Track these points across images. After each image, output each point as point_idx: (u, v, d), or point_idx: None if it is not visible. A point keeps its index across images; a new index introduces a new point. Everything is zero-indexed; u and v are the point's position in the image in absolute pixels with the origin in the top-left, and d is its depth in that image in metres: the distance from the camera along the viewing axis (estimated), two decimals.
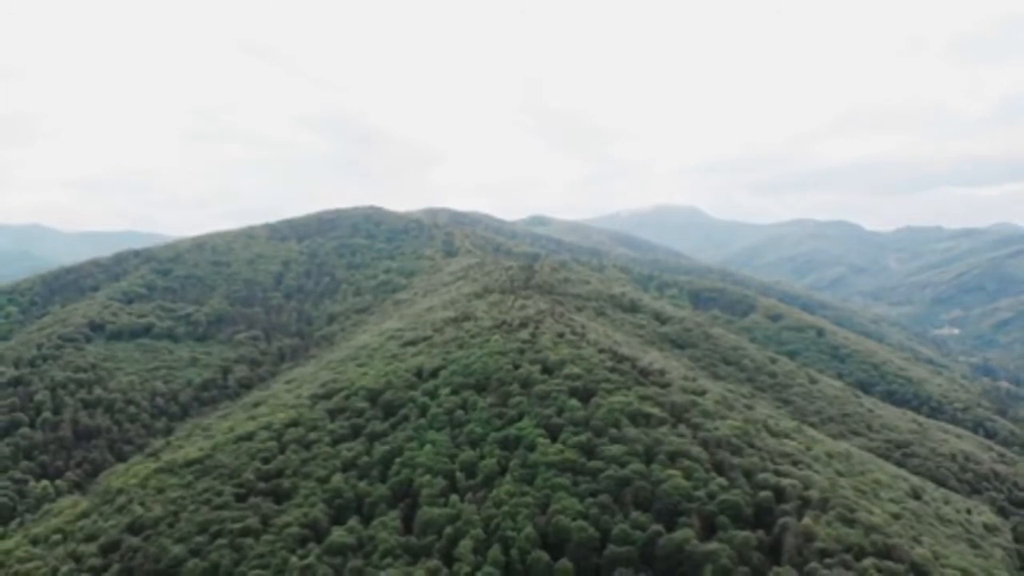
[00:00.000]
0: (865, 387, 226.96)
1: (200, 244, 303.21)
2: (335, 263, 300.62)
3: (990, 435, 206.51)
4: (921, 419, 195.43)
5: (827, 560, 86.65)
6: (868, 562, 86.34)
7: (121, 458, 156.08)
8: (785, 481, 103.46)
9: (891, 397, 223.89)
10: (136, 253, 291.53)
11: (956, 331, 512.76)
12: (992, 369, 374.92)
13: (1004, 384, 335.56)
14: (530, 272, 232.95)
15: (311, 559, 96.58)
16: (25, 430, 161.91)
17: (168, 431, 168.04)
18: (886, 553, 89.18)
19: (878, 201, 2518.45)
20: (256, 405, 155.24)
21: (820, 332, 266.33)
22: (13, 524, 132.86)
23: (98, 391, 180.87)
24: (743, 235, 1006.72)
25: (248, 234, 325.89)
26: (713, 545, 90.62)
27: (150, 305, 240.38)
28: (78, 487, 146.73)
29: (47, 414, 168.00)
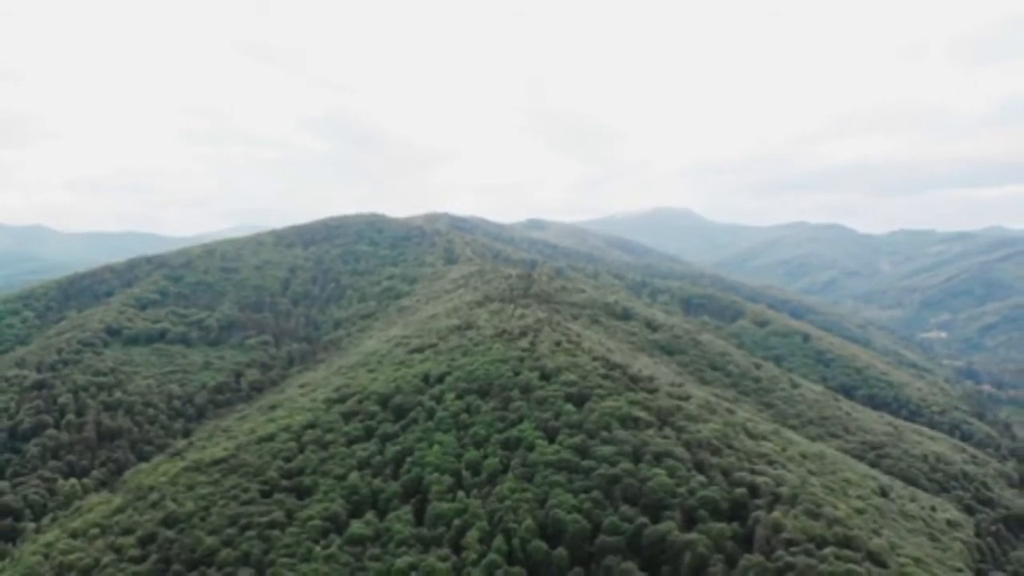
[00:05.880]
0: (848, 391, 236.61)
1: (210, 251, 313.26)
2: (340, 269, 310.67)
3: (966, 437, 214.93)
4: (898, 422, 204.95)
5: (792, 549, 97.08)
6: (828, 550, 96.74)
7: (143, 457, 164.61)
8: (759, 479, 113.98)
9: (872, 401, 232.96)
10: (148, 259, 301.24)
11: (944, 334, 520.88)
12: (975, 373, 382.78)
13: (986, 387, 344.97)
14: (528, 281, 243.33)
15: (333, 548, 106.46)
16: (51, 431, 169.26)
17: (186, 432, 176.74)
18: (846, 543, 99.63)
19: (876, 202, 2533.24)
20: (272, 408, 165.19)
21: (806, 337, 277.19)
22: (46, 520, 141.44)
23: (118, 394, 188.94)
24: (739, 237, 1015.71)
25: (256, 241, 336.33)
26: (692, 536, 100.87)
27: (163, 311, 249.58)
28: (103, 485, 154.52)
29: (71, 416, 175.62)
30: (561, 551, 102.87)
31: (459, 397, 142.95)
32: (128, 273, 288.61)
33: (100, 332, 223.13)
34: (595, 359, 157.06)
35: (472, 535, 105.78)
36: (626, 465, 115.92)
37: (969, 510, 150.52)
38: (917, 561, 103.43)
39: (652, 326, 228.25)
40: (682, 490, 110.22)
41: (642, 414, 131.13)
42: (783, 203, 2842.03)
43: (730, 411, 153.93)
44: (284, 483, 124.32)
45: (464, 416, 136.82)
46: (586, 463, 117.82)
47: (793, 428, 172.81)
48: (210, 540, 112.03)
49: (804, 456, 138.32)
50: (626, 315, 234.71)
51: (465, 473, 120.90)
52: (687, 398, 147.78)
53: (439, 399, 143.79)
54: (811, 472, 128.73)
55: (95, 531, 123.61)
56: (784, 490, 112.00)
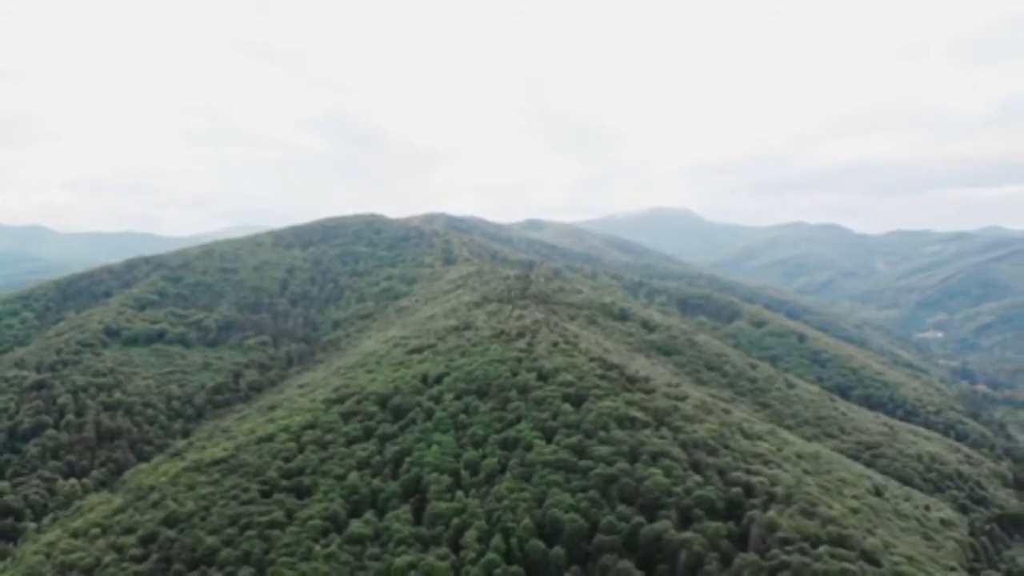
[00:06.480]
0: (843, 391, 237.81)
1: (208, 251, 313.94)
2: (338, 270, 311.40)
3: (960, 437, 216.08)
4: (893, 422, 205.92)
5: (787, 548, 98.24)
6: (823, 549, 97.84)
7: (142, 457, 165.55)
8: (755, 479, 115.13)
9: (868, 401, 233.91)
10: (146, 260, 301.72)
11: (940, 335, 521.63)
12: (971, 373, 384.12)
13: (981, 388, 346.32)
14: (526, 282, 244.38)
15: (333, 548, 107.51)
16: (51, 432, 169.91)
17: (185, 432, 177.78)
18: (840, 542, 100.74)
19: (876, 203, 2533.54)
20: (272, 408, 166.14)
21: (801, 338, 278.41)
22: (47, 519, 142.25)
23: (117, 394, 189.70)
24: (736, 237, 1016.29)
25: (254, 241, 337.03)
26: (688, 534, 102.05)
27: (162, 311, 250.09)
28: (103, 485, 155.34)
29: (71, 416, 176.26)
30: (559, 550, 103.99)
31: (457, 397, 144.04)
32: (127, 274, 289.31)
33: (99, 333, 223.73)
34: (592, 360, 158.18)
35: (471, 534, 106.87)
36: (623, 465, 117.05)
37: (963, 509, 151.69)
38: (911, 560, 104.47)
39: (649, 326, 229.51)
40: (678, 489, 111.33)
41: (639, 414, 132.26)
42: (783, 203, 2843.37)
43: (726, 411, 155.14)
44: (284, 483, 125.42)
45: (462, 416, 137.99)
46: (583, 463, 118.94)
47: (789, 428, 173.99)
48: (211, 539, 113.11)
49: (799, 456, 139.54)
50: (623, 316, 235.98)
51: (464, 473, 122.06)
52: (684, 398, 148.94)
53: (438, 399, 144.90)
54: (806, 472, 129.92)
55: (96, 531, 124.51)
56: (779, 490, 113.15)
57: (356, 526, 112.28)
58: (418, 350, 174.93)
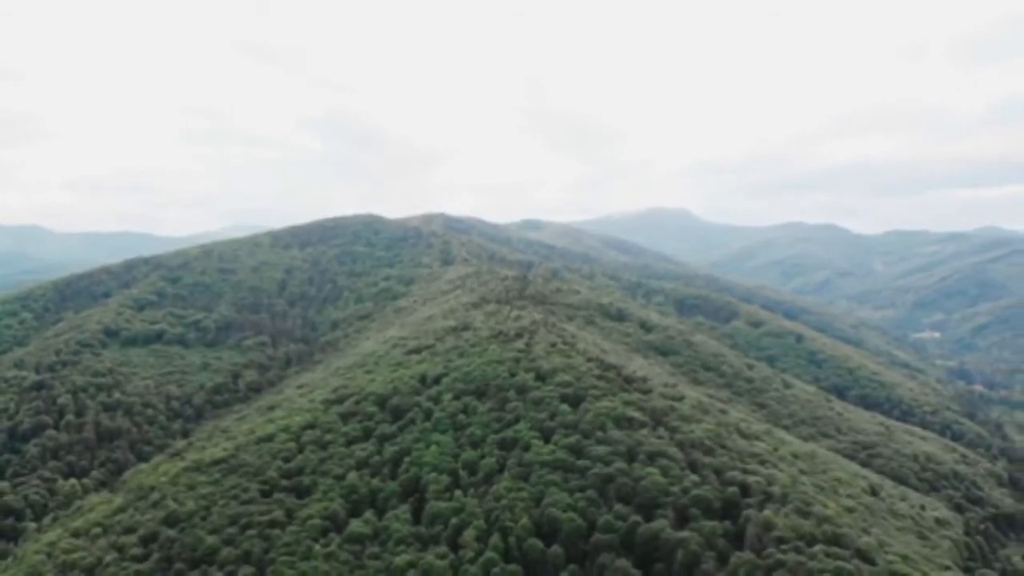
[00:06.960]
0: (840, 391, 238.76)
1: (207, 252, 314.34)
2: (336, 270, 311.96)
3: (957, 437, 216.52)
4: (889, 422, 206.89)
5: (783, 547, 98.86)
6: (818, 548, 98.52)
7: (142, 458, 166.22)
8: (751, 479, 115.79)
9: (864, 401, 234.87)
10: (145, 260, 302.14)
11: (937, 335, 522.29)
12: (968, 373, 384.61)
13: (978, 388, 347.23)
14: (524, 282, 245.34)
15: (333, 547, 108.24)
16: (51, 432, 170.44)
17: (185, 433, 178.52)
18: (835, 541, 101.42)
19: (876, 203, 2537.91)
20: (271, 408, 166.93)
21: (799, 338, 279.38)
22: (47, 519, 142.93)
23: (117, 395, 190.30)
24: (734, 238, 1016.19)
25: (252, 242, 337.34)
26: (685, 534, 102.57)
27: (161, 312, 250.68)
28: (103, 485, 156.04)
29: (70, 416, 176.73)
30: (556, 549, 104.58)
31: (456, 398, 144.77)
32: (125, 274, 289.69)
33: (98, 333, 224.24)
34: (590, 360, 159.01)
35: (469, 533, 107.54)
36: (620, 465, 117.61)
37: (959, 509, 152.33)
38: (905, 559, 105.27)
39: (646, 327, 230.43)
40: (675, 489, 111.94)
41: (636, 414, 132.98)
42: (783, 203, 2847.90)
43: (723, 411, 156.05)
44: (284, 483, 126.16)
45: (461, 417, 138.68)
46: (581, 463, 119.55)
47: (785, 428, 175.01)
48: (211, 539, 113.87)
49: (795, 456, 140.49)
50: (621, 316, 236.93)
51: (462, 473, 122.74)
52: (681, 399, 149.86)
53: (436, 400, 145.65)
54: (802, 471, 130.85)
55: (97, 530, 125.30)
56: (775, 489, 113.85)
57: (355, 525, 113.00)
58: (416, 351, 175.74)
